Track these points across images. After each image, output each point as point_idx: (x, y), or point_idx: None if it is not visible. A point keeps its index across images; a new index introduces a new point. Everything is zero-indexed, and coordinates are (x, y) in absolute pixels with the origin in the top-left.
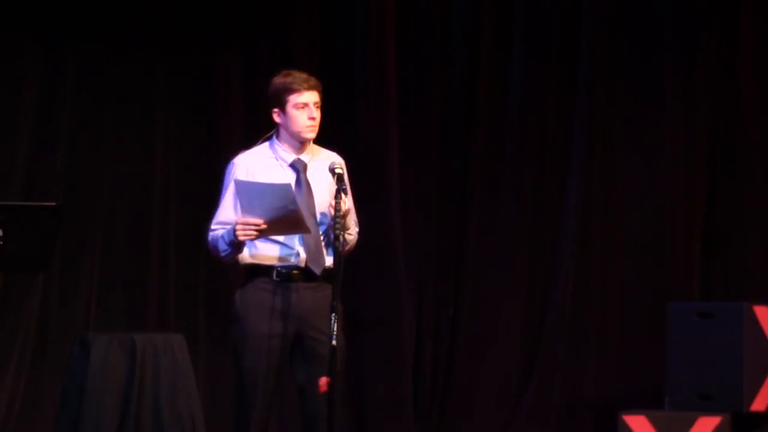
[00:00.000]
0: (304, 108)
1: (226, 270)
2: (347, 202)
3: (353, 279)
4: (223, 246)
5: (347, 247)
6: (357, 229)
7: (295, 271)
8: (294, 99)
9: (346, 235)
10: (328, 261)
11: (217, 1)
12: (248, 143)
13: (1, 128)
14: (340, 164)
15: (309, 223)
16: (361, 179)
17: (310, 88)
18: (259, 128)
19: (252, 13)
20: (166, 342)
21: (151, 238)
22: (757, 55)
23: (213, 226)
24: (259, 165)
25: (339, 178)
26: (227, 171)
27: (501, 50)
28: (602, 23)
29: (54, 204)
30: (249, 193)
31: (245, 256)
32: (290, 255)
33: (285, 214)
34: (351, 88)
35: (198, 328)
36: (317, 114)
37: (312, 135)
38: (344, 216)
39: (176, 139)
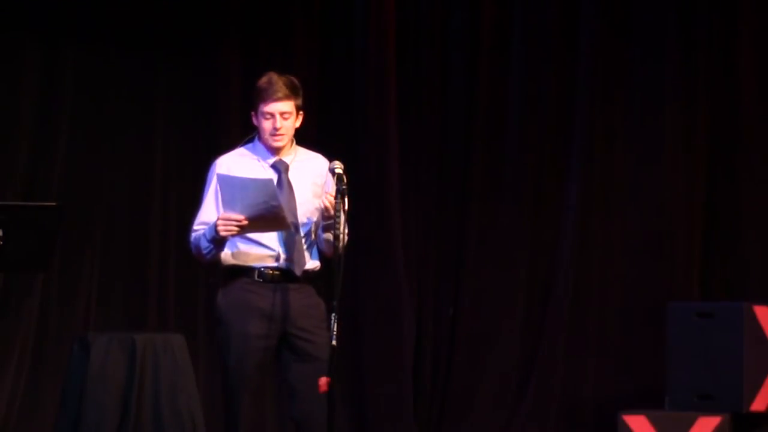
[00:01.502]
0: (270, 118)
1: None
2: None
3: (353, 279)
4: (204, 243)
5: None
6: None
7: (276, 272)
8: (262, 107)
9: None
10: (311, 263)
11: (217, 1)
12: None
13: (1, 128)
14: (340, 165)
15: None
16: (361, 179)
17: (278, 99)
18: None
19: (252, 13)
20: (166, 342)
21: (151, 238)
22: (757, 54)
23: (195, 227)
24: (240, 165)
25: (339, 179)
26: (209, 171)
27: (501, 50)
28: (602, 23)
29: (54, 204)
30: (231, 187)
31: (227, 256)
32: (271, 256)
33: (266, 210)
34: (351, 89)
35: (198, 328)
36: (283, 124)
37: (278, 144)
38: (328, 211)
39: (176, 139)
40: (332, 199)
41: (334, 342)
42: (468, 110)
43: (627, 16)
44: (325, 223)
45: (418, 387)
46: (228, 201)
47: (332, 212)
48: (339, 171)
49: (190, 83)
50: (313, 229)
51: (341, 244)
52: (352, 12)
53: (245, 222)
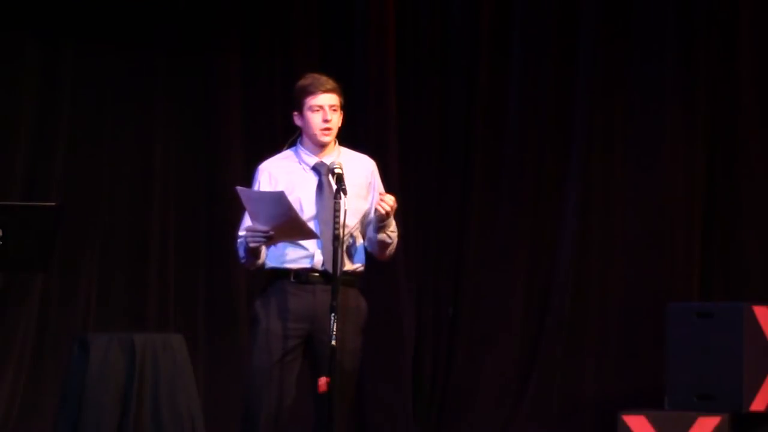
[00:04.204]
0: (318, 110)
1: (227, 271)
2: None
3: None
4: (241, 253)
5: (390, 248)
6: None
7: (314, 274)
8: (309, 101)
9: (390, 233)
10: (351, 265)
11: (216, 1)
12: (248, 143)
13: (0, 129)
14: (339, 164)
15: (328, 225)
16: None
17: (325, 91)
18: (258, 128)
19: (252, 12)
20: (166, 342)
21: (150, 238)
22: (756, 55)
23: (240, 233)
24: (282, 169)
25: (338, 178)
26: (253, 178)
27: (501, 50)
28: (602, 23)
29: (54, 204)
30: (250, 201)
31: (269, 259)
32: (307, 257)
33: (287, 221)
34: (351, 89)
35: (198, 328)
36: (332, 116)
37: (327, 138)
38: (388, 215)
39: (176, 139)
40: (389, 201)
41: (333, 342)
42: (468, 110)
43: (627, 16)
44: (378, 225)
45: (418, 387)
46: (252, 213)
47: (390, 214)
48: (339, 171)
49: (190, 83)
50: (360, 230)
51: (341, 242)
52: (352, 12)
53: (271, 232)
